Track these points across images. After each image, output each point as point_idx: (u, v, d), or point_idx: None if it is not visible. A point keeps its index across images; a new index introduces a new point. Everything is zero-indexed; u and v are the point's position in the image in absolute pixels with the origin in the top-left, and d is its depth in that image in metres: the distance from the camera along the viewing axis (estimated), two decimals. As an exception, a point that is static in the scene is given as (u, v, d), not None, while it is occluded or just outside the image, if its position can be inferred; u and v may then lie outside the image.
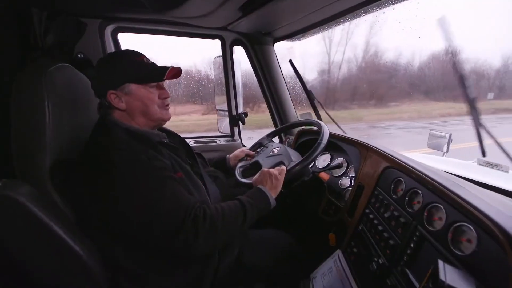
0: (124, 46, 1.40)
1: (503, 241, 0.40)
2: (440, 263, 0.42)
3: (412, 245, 0.60)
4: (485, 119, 0.74)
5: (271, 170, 0.91)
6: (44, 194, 0.69)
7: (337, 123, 1.48)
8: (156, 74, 0.81)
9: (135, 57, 0.81)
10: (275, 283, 0.97)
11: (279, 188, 0.89)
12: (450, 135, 1.59)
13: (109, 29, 1.30)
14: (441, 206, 0.56)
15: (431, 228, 0.56)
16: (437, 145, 1.63)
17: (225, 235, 0.72)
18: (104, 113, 0.79)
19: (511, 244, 0.39)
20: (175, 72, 0.84)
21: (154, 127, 0.87)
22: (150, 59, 0.84)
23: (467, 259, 0.46)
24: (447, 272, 0.40)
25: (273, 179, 0.88)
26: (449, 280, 0.38)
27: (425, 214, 0.59)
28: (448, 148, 1.55)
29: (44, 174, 0.69)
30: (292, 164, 0.98)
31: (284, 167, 0.93)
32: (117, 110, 0.79)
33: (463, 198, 0.52)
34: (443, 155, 1.57)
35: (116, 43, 1.35)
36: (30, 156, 0.70)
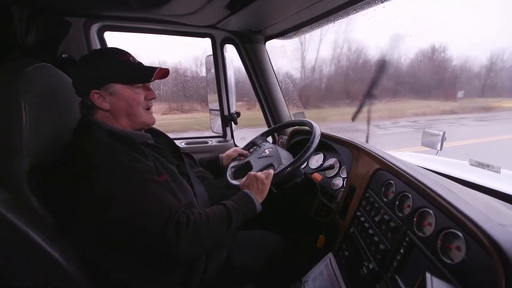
0: (110, 44, 1.36)
1: (491, 250, 0.39)
2: (428, 276, 0.41)
3: (402, 250, 0.58)
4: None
5: (258, 174, 0.89)
6: (21, 198, 0.66)
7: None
8: (143, 75, 0.79)
9: (121, 55, 0.78)
10: (266, 285, 0.95)
11: (266, 193, 0.87)
12: (444, 133, 1.58)
13: (94, 28, 1.26)
14: (431, 211, 0.55)
15: (420, 234, 0.55)
16: (430, 143, 1.62)
17: (209, 240, 0.71)
18: (86, 113, 0.77)
19: (499, 254, 0.38)
20: (163, 72, 0.81)
21: (139, 130, 0.85)
22: (137, 58, 0.81)
23: (456, 268, 0.44)
24: (434, 286, 0.38)
25: (259, 184, 0.87)
26: (436, 295, 0.36)
27: (415, 219, 0.58)
28: (441, 146, 1.55)
29: (21, 178, 0.67)
30: (281, 167, 0.96)
31: (271, 171, 0.91)
32: (100, 111, 0.76)
33: (452, 204, 0.50)
34: (436, 153, 1.57)
35: (102, 42, 1.31)
36: (5, 159, 0.67)
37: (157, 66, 0.80)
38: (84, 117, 0.76)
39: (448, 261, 0.46)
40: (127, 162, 0.66)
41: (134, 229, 0.63)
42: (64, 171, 0.67)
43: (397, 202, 0.66)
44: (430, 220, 0.55)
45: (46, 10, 1.08)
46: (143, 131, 0.87)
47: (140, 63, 0.80)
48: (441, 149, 1.57)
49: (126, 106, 0.77)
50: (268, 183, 0.88)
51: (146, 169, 0.69)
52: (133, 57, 0.79)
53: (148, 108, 0.84)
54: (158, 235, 0.63)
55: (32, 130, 0.69)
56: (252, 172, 0.91)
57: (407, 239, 0.58)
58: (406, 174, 0.67)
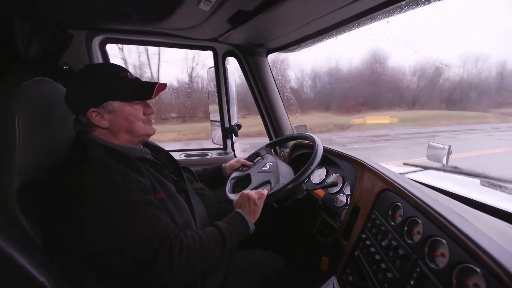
0: (112, 57, 1.36)
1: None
2: None
3: (412, 282, 0.54)
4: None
5: (251, 194, 0.86)
6: (9, 217, 0.63)
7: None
8: (143, 92, 0.77)
9: (119, 72, 0.76)
10: None
11: (258, 214, 0.84)
12: (450, 146, 1.55)
13: (96, 40, 1.26)
14: (444, 241, 0.50)
15: (433, 266, 0.51)
16: (436, 157, 1.59)
17: (203, 266, 0.67)
18: (82, 131, 0.74)
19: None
20: (162, 88, 0.80)
21: (138, 143, 0.83)
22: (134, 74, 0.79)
23: (475, 309, 0.40)
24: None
25: (251, 204, 0.83)
26: None
27: (426, 248, 0.53)
28: (447, 160, 1.51)
29: (10, 196, 0.64)
30: (277, 187, 0.92)
31: (265, 192, 0.88)
32: (97, 128, 0.74)
33: (467, 235, 0.46)
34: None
35: (104, 54, 1.31)
36: None
37: (155, 81, 0.78)
38: (79, 134, 0.74)
39: (466, 300, 0.42)
40: (121, 181, 0.63)
41: (123, 255, 0.59)
42: (55, 190, 0.64)
43: (405, 228, 0.62)
44: (443, 250, 0.50)
45: (48, 22, 1.08)
46: (141, 146, 0.85)
47: (137, 79, 0.78)
48: (447, 163, 1.53)
49: (125, 122, 0.75)
50: (260, 204, 0.85)
51: (139, 189, 0.66)
52: (130, 73, 0.78)
53: (149, 121, 0.82)
54: (148, 263, 0.59)
55: (25, 147, 0.66)
56: (245, 191, 0.88)
57: (417, 269, 0.54)
58: (414, 198, 0.63)
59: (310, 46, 1.41)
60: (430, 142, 1.67)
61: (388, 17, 0.90)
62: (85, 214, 0.59)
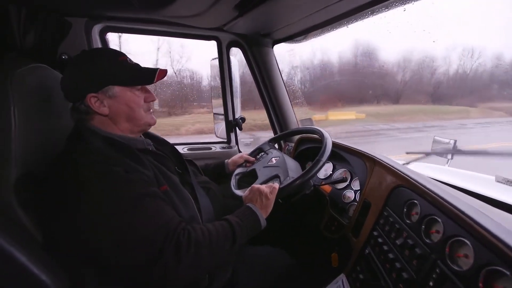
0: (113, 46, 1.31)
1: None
2: None
3: (431, 283, 0.52)
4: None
5: (262, 188, 0.82)
6: (7, 212, 0.61)
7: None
8: (144, 77, 0.74)
9: (118, 56, 0.73)
10: None
11: (270, 208, 0.81)
12: (455, 141, 1.52)
13: (96, 29, 1.21)
14: (467, 242, 0.48)
15: (455, 267, 0.48)
16: (441, 152, 1.56)
17: (211, 261, 0.64)
18: (81, 120, 0.71)
19: None
20: (163, 74, 0.76)
21: (139, 133, 0.80)
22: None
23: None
24: None
25: (263, 198, 0.80)
26: None
27: (447, 248, 0.51)
28: (452, 155, 1.49)
29: (8, 190, 0.61)
30: (287, 180, 0.89)
31: (276, 185, 0.85)
32: (96, 116, 0.70)
33: (494, 234, 0.43)
34: (447, 162, 1.50)
35: (104, 43, 1.26)
36: None
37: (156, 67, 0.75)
38: (78, 123, 0.71)
39: (494, 305, 0.39)
40: (122, 173, 0.60)
41: (125, 252, 0.56)
42: (53, 183, 0.61)
43: (423, 226, 0.59)
44: (466, 251, 0.48)
45: (45, 10, 1.03)
46: (142, 137, 0.82)
47: (137, 64, 0.75)
48: (452, 158, 1.50)
49: (126, 109, 0.72)
50: (272, 198, 0.82)
51: (142, 180, 0.63)
52: (130, 58, 0.74)
53: (149, 110, 0.79)
54: (154, 259, 0.56)
55: (21, 137, 0.63)
56: (255, 185, 0.85)
57: (437, 270, 0.51)
58: (433, 194, 0.60)
59: (317, 36, 1.36)
60: (435, 137, 1.64)
61: (405, 3, 0.85)
62: (84, 209, 0.56)
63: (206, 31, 1.35)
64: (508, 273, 0.40)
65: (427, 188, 0.62)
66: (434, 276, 0.51)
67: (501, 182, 0.80)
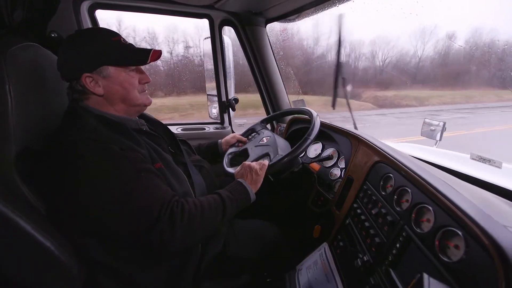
0: (102, 24, 1.29)
1: (492, 252, 0.38)
2: (425, 277, 0.40)
3: (398, 245, 0.58)
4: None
5: (252, 164, 0.87)
6: (11, 187, 0.64)
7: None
8: (138, 57, 0.75)
9: (112, 36, 0.73)
10: (261, 274, 0.97)
11: (259, 183, 0.86)
12: (444, 123, 1.57)
13: (84, 5, 1.19)
14: (430, 208, 0.53)
15: (418, 230, 0.54)
16: (430, 133, 1.61)
17: (203, 231, 0.70)
18: (76, 99, 0.73)
19: (501, 256, 0.37)
20: (157, 54, 0.77)
21: (134, 114, 0.82)
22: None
23: (454, 267, 0.44)
24: (431, 287, 0.37)
25: (253, 174, 0.85)
26: (433, 297, 0.36)
27: (413, 215, 0.56)
28: (441, 136, 1.54)
29: (9, 166, 0.64)
30: (277, 158, 0.94)
31: (266, 162, 0.90)
32: (92, 96, 0.72)
33: (452, 201, 0.48)
34: (435, 144, 1.56)
35: (94, 21, 1.24)
36: None
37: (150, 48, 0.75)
38: (73, 103, 0.73)
39: (446, 259, 0.45)
40: (117, 150, 0.63)
41: (125, 222, 0.61)
42: (51, 160, 0.64)
43: (395, 196, 0.64)
44: (429, 216, 0.53)
45: (31, -15, 1.01)
46: (136, 118, 0.84)
47: (131, 45, 0.76)
48: (440, 140, 1.56)
49: (121, 90, 0.74)
50: (262, 174, 0.87)
51: (137, 158, 0.66)
52: (124, 39, 0.75)
53: (144, 91, 0.80)
54: (151, 228, 0.61)
55: (19, 115, 0.65)
56: (246, 162, 0.90)
57: (404, 234, 0.57)
58: (406, 168, 0.65)
59: (310, 16, 1.35)
60: (425, 119, 1.69)
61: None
62: (82, 184, 0.60)
63: (198, 9, 1.33)
64: (460, 232, 0.45)
65: (401, 163, 0.67)
66: (401, 239, 0.57)
67: (475, 159, 0.85)
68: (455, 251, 0.45)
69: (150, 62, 0.75)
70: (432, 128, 1.60)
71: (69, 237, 0.66)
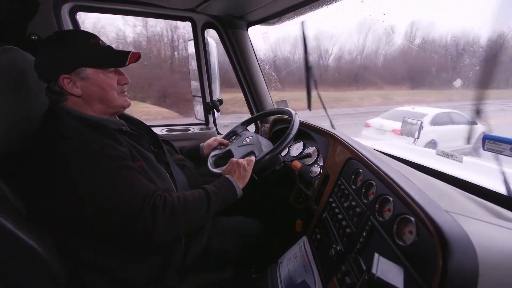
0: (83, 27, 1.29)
1: (434, 233, 0.43)
2: (376, 256, 0.45)
3: (364, 233, 0.63)
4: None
5: (240, 160, 0.91)
6: None
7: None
8: (117, 59, 0.76)
9: (90, 38, 0.74)
10: (244, 268, 1.00)
11: (247, 179, 0.89)
12: (422, 122, 1.68)
13: (65, 8, 1.19)
14: (390, 198, 0.59)
15: (381, 219, 0.59)
16: (409, 131, 1.72)
17: (186, 224, 0.71)
18: (55, 100, 0.73)
19: (440, 236, 0.42)
20: (136, 56, 0.79)
21: (113, 115, 0.83)
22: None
23: (407, 249, 0.49)
24: (380, 265, 0.42)
25: (241, 170, 0.88)
26: (379, 273, 0.41)
27: (377, 205, 0.62)
28: (419, 135, 1.64)
29: None
30: (262, 154, 0.98)
31: (253, 158, 0.93)
32: (70, 97, 0.73)
33: (406, 191, 0.54)
34: (414, 141, 1.66)
35: (75, 23, 1.24)
36: None
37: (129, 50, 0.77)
38: (52, 104, 0.73)
39: (401, 243, 0.51)
40: (97, 148, 0.65)
41: (108, 216, 0.63)
42: (32, 160, 0.65)
43: (363, 190, 0.70)
44: (389, 206, 0.59)
45: (9, -13, 1.00)
46: (116, 118, 0.85)
47: (109, 47, 0.77)
48: (418, 138, 1.66)
49: (99, 91, 0.75)
50: (250, 169, 0.90)
51: (118, 156, 0.68)
52: (102, 41, 0.76)
53: (122, 92, 0.81)
54: (134, 220, 0.63)
55: None
56: (234, 159, 0.93)
57: (369, 223, 0.63)
58: (372, 164, 0.71)
59: (290, 19, 1.40)
60: (404, 118, 1.79)
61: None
62: (65, 183, 0.61)
63: (180, 12, 1.35)
64: (412, 219, 0.51)
65: (368, 159, 0.73)
66: (367, 228, 0.63)
67: (440, 155, 0.93)
68: (409, 236, 0.51)
69: (129, 64, 0.77)
70: (411, 126, 1.72)
71: (52, 235, 0.67)
